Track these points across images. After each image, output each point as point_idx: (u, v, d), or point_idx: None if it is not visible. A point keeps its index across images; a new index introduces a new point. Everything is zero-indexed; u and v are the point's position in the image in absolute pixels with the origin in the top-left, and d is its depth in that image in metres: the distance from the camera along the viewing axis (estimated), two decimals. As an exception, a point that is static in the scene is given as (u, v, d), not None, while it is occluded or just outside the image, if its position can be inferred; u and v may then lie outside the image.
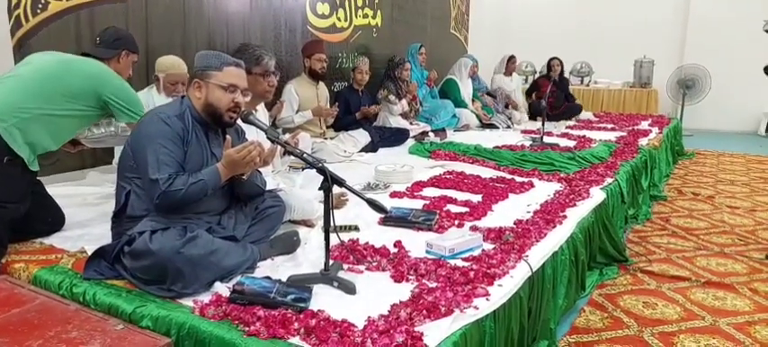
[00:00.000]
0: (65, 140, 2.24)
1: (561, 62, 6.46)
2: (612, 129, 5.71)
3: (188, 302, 1.63)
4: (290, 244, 2.07)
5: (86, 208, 2.61)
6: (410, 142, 4.63)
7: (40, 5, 2.80)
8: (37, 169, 2.10)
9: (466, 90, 5.98)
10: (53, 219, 2.24)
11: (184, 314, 1.57)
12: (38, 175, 2.17)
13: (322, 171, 1.74)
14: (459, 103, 5.82)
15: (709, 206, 4.31)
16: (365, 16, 5.53)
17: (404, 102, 4.97)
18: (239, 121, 2.02)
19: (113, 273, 1.77)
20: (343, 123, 4.43)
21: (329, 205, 1.74)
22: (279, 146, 1.96)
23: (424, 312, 1.56)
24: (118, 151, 2.99)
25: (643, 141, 4.90)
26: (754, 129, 8.36)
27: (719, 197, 4.57)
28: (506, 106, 6.25)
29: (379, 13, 5.72)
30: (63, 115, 2.12)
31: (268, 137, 1.88)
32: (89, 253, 1.88)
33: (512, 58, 6.62)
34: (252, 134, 2.25)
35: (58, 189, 2.64)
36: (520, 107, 6.39)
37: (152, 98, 2.91)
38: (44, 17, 2.82)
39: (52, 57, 2.23)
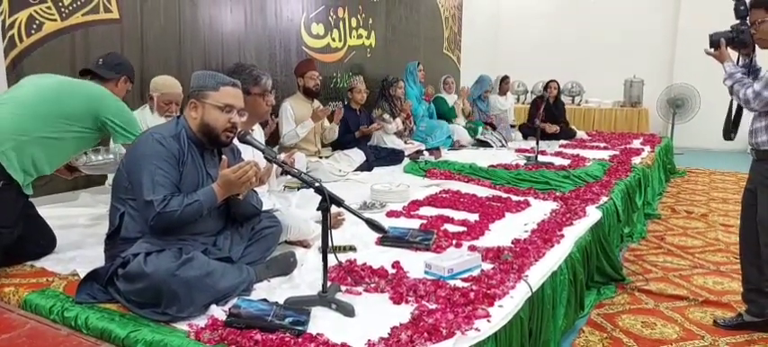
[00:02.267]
0: (61, 164, 2.22)
1: (558, 85, 6.53)
2: (605, 148, 5.75)
3: (183, 326, 1.60)
4: (286, 266, 2.04)
5: (78, 229, 2.57)
6: (405, 162, 4.63)
7: (34, 26, 2.79)
8: (31, 193, 2.06)
9: (451, 101, 6.22)
10: (45, 242, 2.20)
11: (179, 338, 1.53)
12: (30, 197, 2.14)
13: (320, 190, 1.73)
14: (449, 113, 5.96)
15: (703, 224, 4.32)
16: (359, 37, 5.57)
17: (398, 120, 4.99)
18: (236, 141, 2.00)
19: (106, 297, 1.73)
20: (342, 142, 4.46)
21: (327, 225, 1.72)
22: (275, 166, 1.94)
23: (425, 334, 1.54)
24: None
25: (636, 160, 4.93)
26: (744, 148, 8.43)
27: (713, 215, 4.59)
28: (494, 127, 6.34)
29: (372, 33, 5.77)
30: (60, 138, 2.10)
31: (265, 157, 1.86)
32: (81, 276, 1.84)
33: (505, 79, 6.75)
34: (248, 154, 2.23)
35: (50, 210, 2.60)
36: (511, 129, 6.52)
37: (145, 118, 2.89)
38: (38, 37, 2.81)
39: (49, 79, 2.21)
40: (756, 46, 2.34)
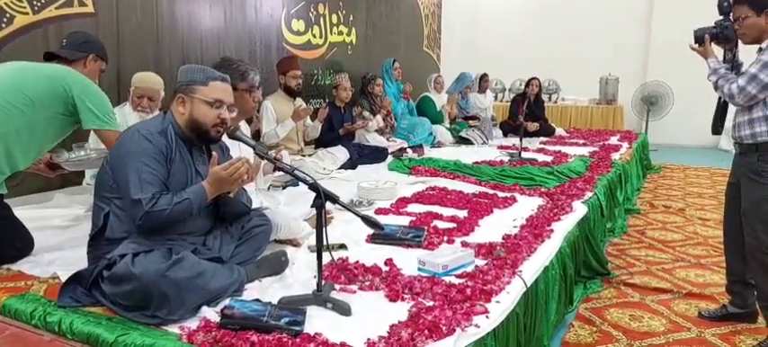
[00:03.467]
0: (36, 157, 2.09)
1: (539, 83, 6.59)
2: (584, 144, 5.82)
3: (174, 329, 1.53)
4: (278, 265, 1.99)
5: (54, 231, 2.46)
6: (389, 159, 4.60)
7: (4, 19, 2.67)
8: (5, 192, 1.96)
9: (440, 103, 6.19)
10: (22, 244, 2.09)
11: (171, 341, 1.47)
12: (4, 198, 2.03)
13: (315, 187, 1.68)
14: (437, 115, 5.93)
15: (681, 218, 4.41)
16: (340, 33, 5.52)
17: (378, 117, 4.96)
18: (224, 137, 1.94)
19: (91, 300, 1.65)
20: (326, 139, 4.41)
21: (323, 222, 1.68)
22: (262, 164, 1.89)
23: (426, 332, 1.51)
24: (89, 172, 2.85)
25: (615, 156, 5.00)
26: (715, 144, 8.67)
27: (690, 209, 4.68)
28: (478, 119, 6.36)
29: (353, 30, 5.72)
30: (30, 129, 1.98)
31: (256, 153, 1.81)
32: (62, 279, 1.76)
33: (484, 76, 6.80)
34: (235, 150, 2.17)
35: (24, 211, 2.47)
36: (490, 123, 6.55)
37: (125, 115, 2.79)
38: (9, 32, 2.69)
39: (10, 67, 2.08)
40: (739, 41, 2.36)
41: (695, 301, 2.77)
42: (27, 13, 2.76)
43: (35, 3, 2.80)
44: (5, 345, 1.43)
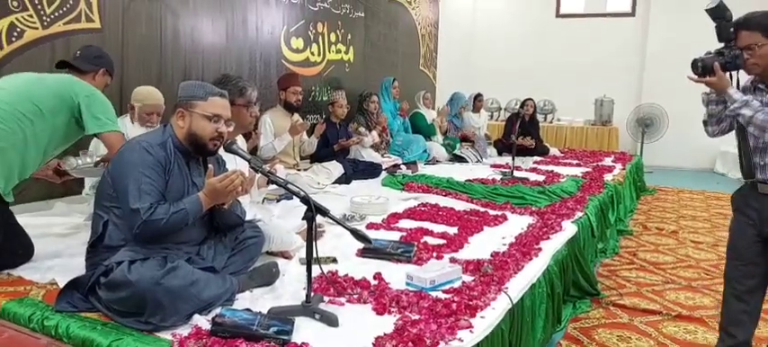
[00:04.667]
0: (41, 164, 2.17)
1: (535, 103, 6.69)
2: (578, 165, 5.88)
3: (166, 335, 1.59)
4: (269, 276, 2.04)
5: (54, 238, 2.52)
6: (383, 175, 4.66)
7: (15, 33, 2.75)
8: (12, 200, 2.02)
9: (430, 117, 6.31)
10: (22, 250, 2.15)
11: (163, 347, 1.52)
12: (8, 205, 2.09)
13: (306, 200, 1.74)
14: (429, 129, 6.04)
15: (673, 241, 4.45)
16: (338, 52, 5.62)
17: (374, 133, 5.04)
18: (221, 151, 2.01)
19: (87, 305, 1.71)
20: (321, 155, 4.49)
21: (313, 235, 1.74)
22: (256, 177, 1.96)
23: (410, 344, 1.56)
24: (89, 181, 2.91)
25: (608, 177, 5.06)
26: (710, 167, 8.75)
27: (683, 232, 4.73)
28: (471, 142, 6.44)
29: (351, 48, 5.83)
30: (38, 135, 2.05)
31: (251, 167, 1.87)
32: (60, 285, 1.82)
33: (479, 96, 6.91)
34: (231, 164, 2.24)
35: (25, 219, 2.52)
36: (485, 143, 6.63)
37: (126, 127, 2.86)
38: (19, 45, 2.77)
39: (21, 78, 2.16)
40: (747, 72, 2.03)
41: (684, 324, 2.80)
42: (37, 28, 2.85)
43: (45, 18, 2.89)
44: (3, 347, 1.49)
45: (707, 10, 2.01)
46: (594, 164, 5.95)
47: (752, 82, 2.05)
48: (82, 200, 3.03)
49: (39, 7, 2.86)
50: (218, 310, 1.70)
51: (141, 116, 2.88)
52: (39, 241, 2.30)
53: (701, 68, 2.02)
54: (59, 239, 2.52)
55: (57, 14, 2.94)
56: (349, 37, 5.76)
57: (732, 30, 1.99)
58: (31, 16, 2.82)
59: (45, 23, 2.89)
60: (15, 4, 2.75)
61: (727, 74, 2.01)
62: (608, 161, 6.30)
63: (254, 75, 4.46)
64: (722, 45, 2.03)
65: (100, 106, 2.18)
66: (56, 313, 1.69)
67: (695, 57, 2.04)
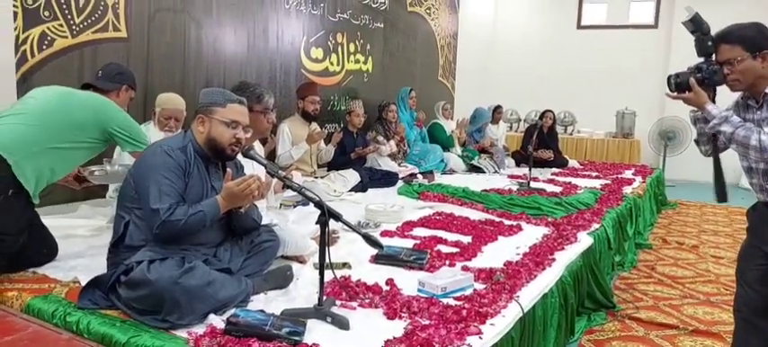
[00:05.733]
0: (66, 173, 2.27)
1: (554, 115, 6.66)
2: (597, 177, 5.83)
3: (182, 333, 1.64)
4: (283, 279, 2.09)
5: (78, 239, 2.61)
6: (399, 184, 4.69)
7: (46, 42, 2.87)
8: (37, 202, 2.12)
9: (449, 128, 6.32)
10: (47, 250, 2.25)
11: (179, 345, 1.58)
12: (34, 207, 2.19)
13: (320, 205, 1.78)
14: (447, 140, 6.05)
15: (693, 255, 4.38)
16: (357, 62, 5.69)
17: (392, 142, 5.08)
18: (239, 156, 2.07)
19: (108, 303, 1.77)
20: (337, 163, 4.55)
21: (326, 239, 1.77)
22: (273, 182, 2.00)
23: (419, 348, 1.58)
24: (113, 185, 3.01)
25: (627, 189, 5.00)
26: (736, 182, 8.57)
27: (704, 247, 4.65)
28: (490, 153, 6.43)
29: (370, 59, 5.89)
30: (68, 148, 2.17)
31: (268, 172, 1.92)
32: (82, 284, 1.89)
33: (498, 108, 6.91)
34: (248, 168, 2.29)
35: (50, 220, 2.62)
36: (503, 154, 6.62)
37: (149, 132, 2.95)
38: (49, 53, 2.89)
39: (56, 90, 2.28)
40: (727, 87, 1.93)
41: (701, 338, 2.76)
42: (66, 37, 2.97)
43: (74, 27, 3.00)
44: (27, 342, 1.55)
45: (683, 23, 1.93)
46: (614, 176, 5.89)
47: (742, 97, 1.96)
48: (105, 203, 3.13)
49: (69, 17, 2.97)
50: (232, 310, 1.75)
51: (160, 120, 2.97)
52: (63, 242, 2.40)
53: (675, 85, 1.96)
54: (83, 240, 2.61)
55: (85, 24, 3.05)
56: (368, 47, 5.82)
57: (711, 43, 1.91)
58: (61, 25, 2.93)
59: (74, 32, 3.00)
60: (47, 13, 2.87)
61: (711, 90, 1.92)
62: (628, 174, 6.22)
63: (273, 84, 4.54)
64: (702, 59, 1.94)
65: (131, 130, 2.32)
66: (78, 310, 1.76)
67: (670, 73, 1.98)
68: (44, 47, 2.86)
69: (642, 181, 5.76)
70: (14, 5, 2.72)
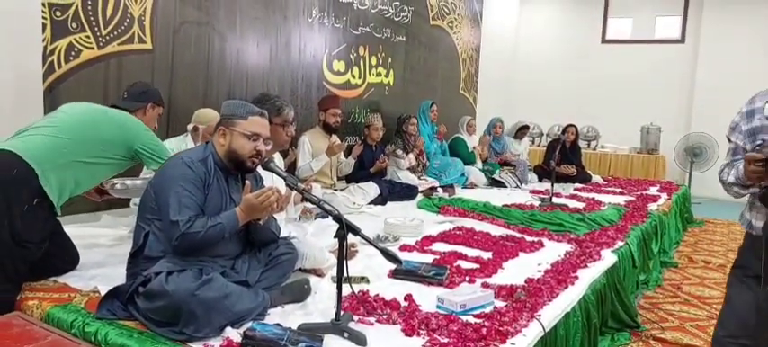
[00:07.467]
0: (90, 187, 2.32)
1: (577, 130, 6.58)
2: (621, 193, 5.72)
3: (199, 346, 1.63)
4: (300, 292, 2.07)
5: (100, 249, 2.64)
6: (419, 197, 4.66)
7: (72, 53, 2.93)
8: (60, 213, 2.15)
9: (471, 144, 6.27)
10: (69, 259, 2.28)
11: (195, 358, 1.56)
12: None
13: (338, 219, 1.77)
14: (469, 156, 5.99)
15: (721, 274, 4.25)
16: (378, 75, 5.70)
17: (411, 156, 5.06)
18: (259, 168, 2.07)
19: (126, 314, 1.78)
20: (357, 176, 4.55)
21: (344, 253, 1.76)
22: (292, 195, 2.00)
23: (437, 366, 1.55)
24: (135, 195, 3.04)
25: (652, 206, 4.90)
26: (765, 200, 8.33)
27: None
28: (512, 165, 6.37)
29: (391, 72, 5.89)
30: (94, 163, 2.20)
31: (287, 184, 1.92)
32: (102, 293, 1.90)
33: (524, 127, 6.84)
34: (268, 181, 2.30)
35: (73, 229, 2.66)
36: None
37: (186, 146, 2.98)
38: (75, 64, 2.94)
39: (86, 106, 2.34)
40: None
41: (728, 361, 2.68)
42: (93, 48, 3.03)
43: (101, 39, 3.07)
44: (46, 350, 1.56)
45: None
46: (639, 192, 5.77)
47: None
48: (127, 213, 3.16)
49: (96, 29, 3.03)
50: (249, 324, 1.74)
51: (205, 136, 3.01)
52: (84, 251, 2.42)
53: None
54: (104, 250, 2.63)
55: (112, 35, 3.11)
56: (390, 60, 5.83)
57: None
58: (88, 37, 2.99)
59: (101, 44, 3.06)
60: (74, 25, 2.93)
61: None
62: (653, 190, 6.09)
63: (295, 97, 4.57)
64: None
65: (156, 149, 2.36)
66: (96, 320, 1.77)
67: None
68: (71, 58, 2.92)
69: (668, 197, 5.62)
70: (43, 17, 2.78)
